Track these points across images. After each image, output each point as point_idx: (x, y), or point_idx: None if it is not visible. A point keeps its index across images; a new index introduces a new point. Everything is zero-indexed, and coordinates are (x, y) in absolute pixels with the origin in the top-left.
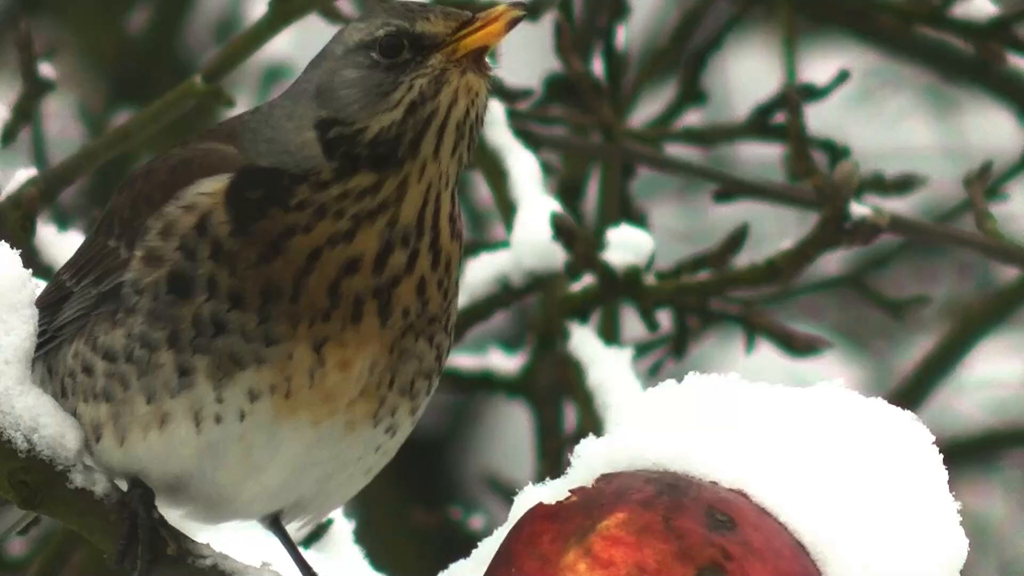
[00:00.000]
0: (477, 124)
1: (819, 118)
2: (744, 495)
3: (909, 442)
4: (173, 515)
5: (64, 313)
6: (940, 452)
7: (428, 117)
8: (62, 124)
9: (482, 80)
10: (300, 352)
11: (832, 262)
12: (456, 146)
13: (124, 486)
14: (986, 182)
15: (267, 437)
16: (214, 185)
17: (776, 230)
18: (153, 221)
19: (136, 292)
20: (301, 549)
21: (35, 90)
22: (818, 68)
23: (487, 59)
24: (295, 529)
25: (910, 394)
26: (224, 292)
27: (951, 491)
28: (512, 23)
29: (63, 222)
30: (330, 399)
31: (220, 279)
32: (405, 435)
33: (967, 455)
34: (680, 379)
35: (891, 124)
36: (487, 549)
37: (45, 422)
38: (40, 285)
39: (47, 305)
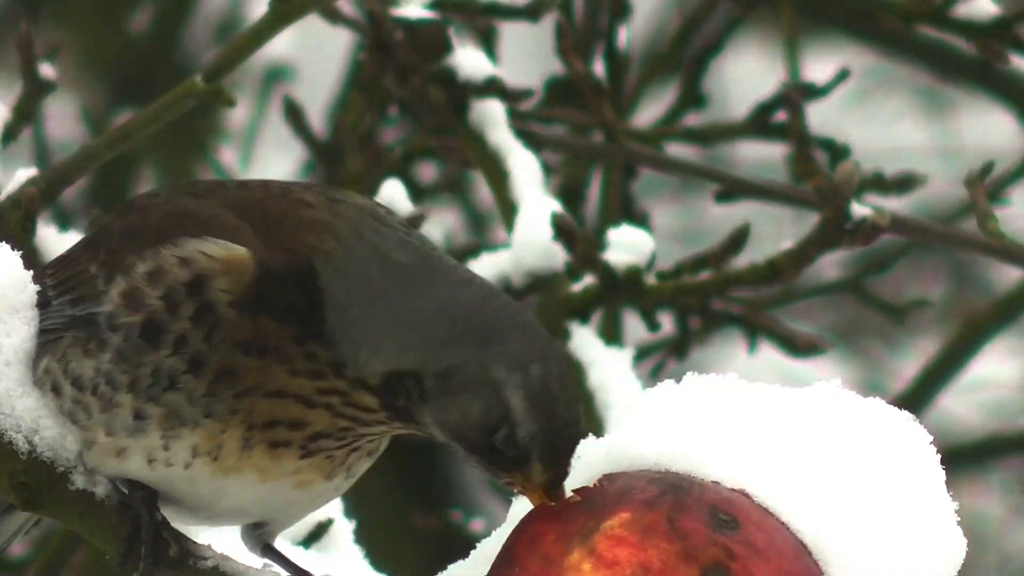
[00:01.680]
0: None
1: (815, 118)
2: (746, 495)
3: (907, 442)
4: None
5: (44, 320)
6: (938, 453)
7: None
8: (63, 125)
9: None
10: (231, 433)
11: (830, 266)
12: None
13: (123, 487)
14: (988, 184)
15: (214, 486)
16: (220, 251)
17: (774, 230)
18: (138, 261)
19: (111, 328)
20: (301, 549)
21: (36, 91)
22: (814, 68)
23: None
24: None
25: (914, 398)
26: (189, 354)
27: (949, 492)
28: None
29: (64, 222)
30: (265, 473)
31: (191, 341)
32: (366, 468)
33: (965, 456)
34: (679, 380)
35: (887, 125)
36: (486, 550)
37: (46, 424)
38: None
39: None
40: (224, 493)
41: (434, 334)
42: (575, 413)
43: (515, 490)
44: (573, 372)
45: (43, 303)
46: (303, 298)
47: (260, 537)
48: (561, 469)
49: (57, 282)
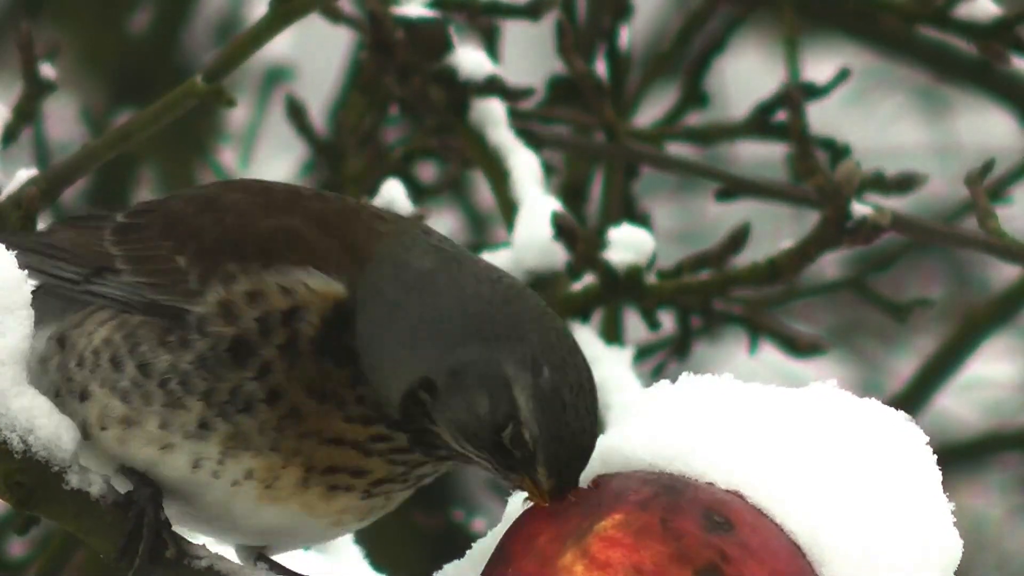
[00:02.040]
0: None
1: (815, 118)
2: (740, 496)
3: (903, 442)
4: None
5: (105, 286)
6: (936, 452)
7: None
8: (63, 125)
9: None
10: (291, 471)
11: (830, 264)
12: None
13: (113, 476)
14: (989, 183)
15: (250, 508)
16: (322, 286)
17: (772, 229)
18: (241, 275)
19: (199, 331)
20: (302, 551)
21: (36, 91)
22: (813, 69)
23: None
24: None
25: (911, 397)
26: (269, 383)
27: (947, 491)
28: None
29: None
30: (312, 509)
31: (275, 370)
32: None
33: (963, 455)
34: (675, 380)
35: (886, 125)
36: (481, 549)
37: (41, 423)
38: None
39: (80, 254)
40: (257, 516)
41: (446, 335)
42: (586, 424)
43: (523, 492)
44: (593, 384)
45: (108, 268)
46: (351, 335)
47: (255, 549)
48: (567, 478)
49: (130, 256)
